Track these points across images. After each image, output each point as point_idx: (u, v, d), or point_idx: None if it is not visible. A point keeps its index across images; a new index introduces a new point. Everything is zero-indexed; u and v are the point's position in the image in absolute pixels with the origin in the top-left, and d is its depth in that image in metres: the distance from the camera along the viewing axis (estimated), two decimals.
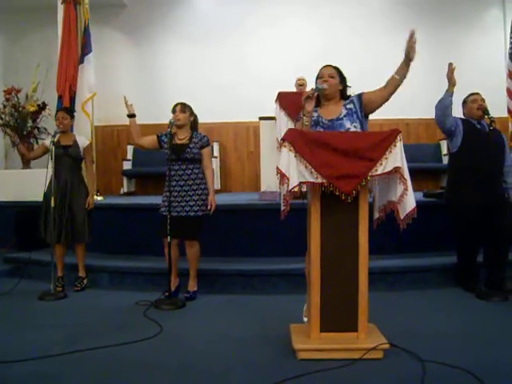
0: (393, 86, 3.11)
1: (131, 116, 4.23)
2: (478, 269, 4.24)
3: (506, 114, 6.17)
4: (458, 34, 7.95)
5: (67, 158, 4.47)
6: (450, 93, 4.15)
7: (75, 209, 4.45)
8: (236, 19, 8.12)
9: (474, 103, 4.23)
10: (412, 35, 3.03)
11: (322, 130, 3.14)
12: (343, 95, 3.25)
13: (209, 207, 4.10)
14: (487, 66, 7.61)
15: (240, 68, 7.98)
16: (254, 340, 3.18)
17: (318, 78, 3.25)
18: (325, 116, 3.17)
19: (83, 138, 4.78)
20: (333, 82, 3.17)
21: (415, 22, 7.82)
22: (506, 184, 4.24)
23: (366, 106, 3.17)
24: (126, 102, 4.22)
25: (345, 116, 3.14)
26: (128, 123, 4.25)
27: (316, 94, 3.11)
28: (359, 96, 3.19)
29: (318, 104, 3.25)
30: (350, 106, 3.18)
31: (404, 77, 3.10)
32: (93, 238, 4.56)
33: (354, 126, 3.11)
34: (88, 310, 3.94)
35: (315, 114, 3.18)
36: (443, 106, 4.17)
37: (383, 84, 3.15)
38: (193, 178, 4.12)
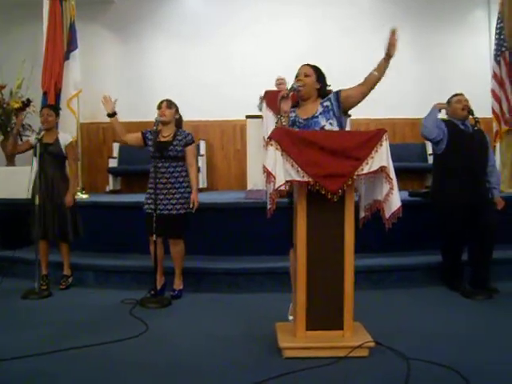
0: (371, 82, 3.14)
1: (112, 115, 4.17)
2: (462, 267, 4.28)
3: (490, 115, 6.22)
4: (444, 33, 8.00)
5: (48, 156, 4.42)
6: (437, 109, 4.28)
7: (58, 207, 4.42)
8: (225, 17, 8.08)
9: (459, 104, 4.26)
10: (393, 33, 3.06)
11: (297, 129, 3.15)
12: (321, 94, 3.25)
13: (191, 205, 4.09)
14: (472, 67, 7.67)
15: (228, 66, 7.95)
16: (240, 338, 3.18)
17: (296, 77, 3.27)
18: (301, 115, 3.20)
19: (66, 135, 4.71)
20: (308, 81, 3.19)
21: (402, 20, 7.91)
22: (489, 184, 4.29)
23: (343, 102, 3.18)
24: (107, 101, 4.15)
25: (320, 114, 3.16)
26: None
27: (291, 93, 3.13)
28: (336, 93, 3.21)
29: (297, 104, 3.26)
30: (327, 103, 3.19)
31: (383, 73, 3.12)
32: (80, 237, 4.54)
33: (330, 123, 3.13)
34: (73, 309, 3.91)
35: (293, 115, 3.20)
36: (431, 121, 4.25)
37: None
38: (175, 176, 4.10)
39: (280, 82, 6.69)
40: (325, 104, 3.19)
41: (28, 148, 4.56)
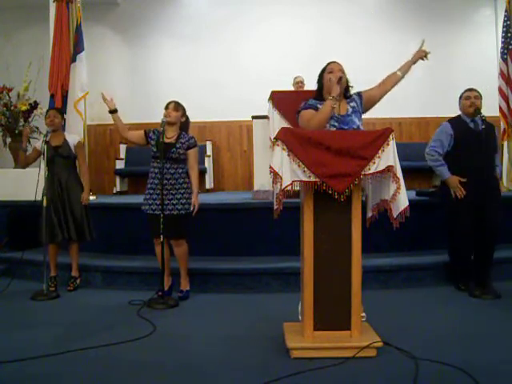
0: (393, 82, 3.32)
1: (113, 112, 4.20)
2: (471, 267, 4.25)
3: (497, 113, 6.19)
4: (450, 32, 7.98)
5: (59, 158, 4.45)
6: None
7: (74, 207, 4.45)
8: (230, 18, 8.10)
9: (467, 100, 4.22)
10: (422, 45, 3.41)
11: (336, 123, 3.12)
12: (345, 94, 3.27)
13: (191, 208, 4.10)
14: (479, 65, 7.64)
15: (233, 67, 7.97)
16: (247, 339, 3.18)
17: (324, 72, 3.26)
18: (335, 111, 3.17)
19: (73, 135, 4.77)
20: (344, 79, 3.19)
21: (408, 20, 7.93)
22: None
23: (366, 103, 3.28)
24: (104, 99, 4.18)
25: (352, 113, 3.18)
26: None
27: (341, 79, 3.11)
28: (359, 94, 3.27)
29: (322, 99, 3.23)
30: (353, 104, 3.22)
31: (404, 76, 3.33)
32: (94, 237, 4.57)
33: (361, 124, 3.19)
34: (81, 310, 3.93)
35: None
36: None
37: (379, 81, 3.32)
38: (176, 178, 4.10)
39: (299, 79, 6.66)
40: (352, 104, 3.21)
41: (37, 155, 4.57)
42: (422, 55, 3.41)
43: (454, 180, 4.17)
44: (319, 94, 3.26)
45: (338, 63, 3.27)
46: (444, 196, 4.35)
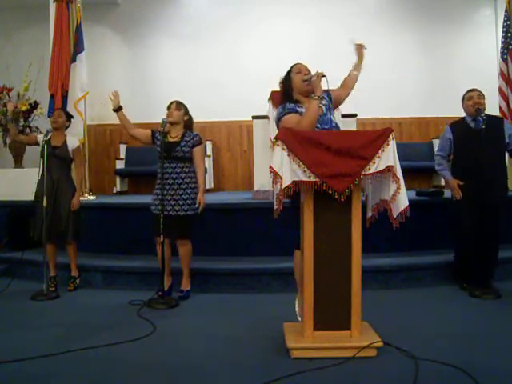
0: (353, 82, 3.46)
1: (117, 110, 4.18)
2: (473, 267, 4.23)
3: (497, 113, 6.19)
4: (450, 32, 7.97)
5: (54, 159, 4.46)
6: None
7: (60, 208, 4.45)
8: (231, 18, 8.09)
9: (469, 100, 4.22)
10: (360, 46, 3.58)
11: (318, 124, 3.10)
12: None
13: (196, 205, 4.10)
14: (479, 65, 7.63)
15: (233, 66, 7.96)
16: (247, 339, 3.18)
17: (290, 73, 3.27)
18: None
19: (74, 139, 4.78)
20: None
21: (408, 20, 7.92)
22: None
23: (334, 102, 3.34)
24: (115, 96, 4.17)
25: (327, 111, 3.19)
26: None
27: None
28: (328, 92, 3.26)
29: (295, 101, 3.21)
30: (324, 102, 3.20)
31: (359, 73, 3.52)
32: (81, 239, 4.56)
33: (338, 121, 3.23)
34: (81, 310, 3.93)
35: (302, 110, 3.13)
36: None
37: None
38: (182, 177, 4.11)
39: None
40: (323, 102, 3.18)
41: (32, 142, 4.64)
42: (361, 49, 3.58)
43: (453, 183, 4.27)
44: (288, 97, 3.24)
45: (303, 64, 3.28)
46: (451, 197, 4.37)
